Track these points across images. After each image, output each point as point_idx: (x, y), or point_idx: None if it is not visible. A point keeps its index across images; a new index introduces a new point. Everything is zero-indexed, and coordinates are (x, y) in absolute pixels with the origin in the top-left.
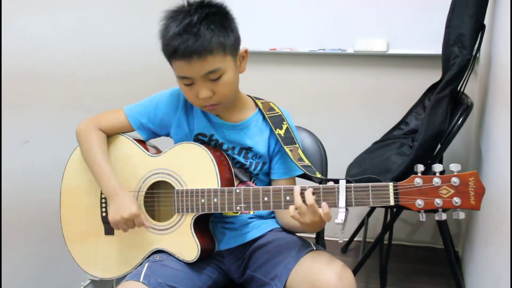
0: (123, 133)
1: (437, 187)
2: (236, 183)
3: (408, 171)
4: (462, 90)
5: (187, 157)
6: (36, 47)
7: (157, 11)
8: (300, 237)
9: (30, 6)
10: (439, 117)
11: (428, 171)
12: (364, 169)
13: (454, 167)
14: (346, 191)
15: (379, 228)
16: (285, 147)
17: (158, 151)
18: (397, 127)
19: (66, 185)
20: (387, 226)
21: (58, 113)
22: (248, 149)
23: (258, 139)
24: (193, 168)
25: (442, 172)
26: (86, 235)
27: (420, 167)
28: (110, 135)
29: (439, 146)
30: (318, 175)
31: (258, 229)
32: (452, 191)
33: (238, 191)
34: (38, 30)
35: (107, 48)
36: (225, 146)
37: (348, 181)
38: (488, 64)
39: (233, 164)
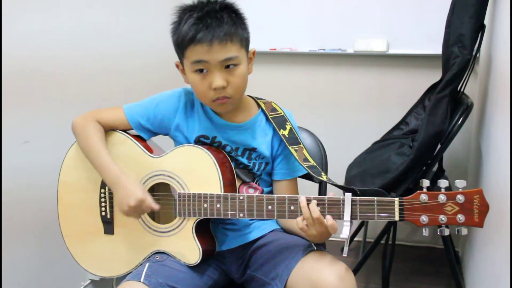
0: (123, 131)
1: (442, 204)
2: (238, 183)
3: (408, 171)
4: (462, 90)
5: (189, 160)
6: (36, 47)
7: (157, 11)
8: (301, 238)
9: (30, 6)
10: (439, 117)
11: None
12: (364, 169)
13: (459, 183)
14: (352, 204)
15: (379, 228)
16: (290, 147)
17: (159, 151)
18: (397, 127)
19: (63, 183)
20: (390, 224)
21: (58, 113)
22: (252, 150)
23: (261, 139)
24: (195, 171)
25: (447, 188)
26: (86, 234)
27: (426, 183)
28: (107, 131)
29: (439, 146)
30: (324, 177)
31: (259, 229)
32: (457, 208)
33: (241, 198)
34: (38, 30)
35: (107, 47)
36: (228, 148)
37: (354, 192)
38: (488, 64)
39: (236, 165)
